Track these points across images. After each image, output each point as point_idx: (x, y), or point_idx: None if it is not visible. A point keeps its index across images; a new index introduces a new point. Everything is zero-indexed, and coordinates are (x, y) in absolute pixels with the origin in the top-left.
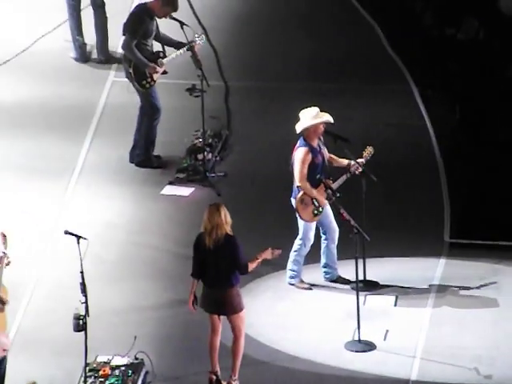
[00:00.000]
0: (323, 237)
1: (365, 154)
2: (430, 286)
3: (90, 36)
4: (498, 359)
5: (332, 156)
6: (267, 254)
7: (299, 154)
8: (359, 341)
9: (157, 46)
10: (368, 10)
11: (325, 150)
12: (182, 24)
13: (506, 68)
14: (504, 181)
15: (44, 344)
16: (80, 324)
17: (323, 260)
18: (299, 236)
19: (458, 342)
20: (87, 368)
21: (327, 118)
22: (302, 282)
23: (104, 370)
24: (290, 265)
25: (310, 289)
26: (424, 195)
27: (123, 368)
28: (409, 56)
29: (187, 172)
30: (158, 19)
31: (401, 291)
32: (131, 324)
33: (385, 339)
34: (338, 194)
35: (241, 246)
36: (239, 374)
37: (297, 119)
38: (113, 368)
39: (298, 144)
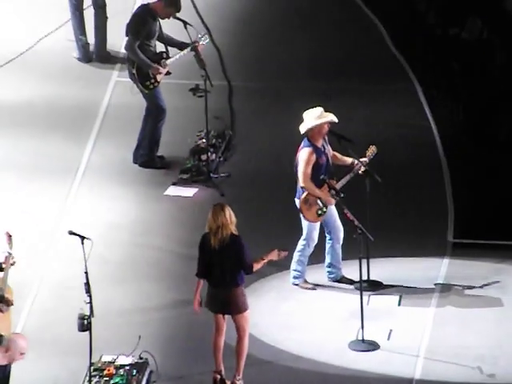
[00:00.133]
0: (328, 237)
1: (368, 153)
2: (433, 285)
3: (91, 36)
4: (501, 358)
5: (335, 154)
6: (273, 255)
7: (303, 155)
8: (363, 340)
9: (160, 47)
10: (371, 9)
11: (329, 150)
12: (185, 24)
13: (510, 68)
14: (507, 181)
15: (49, 344)
16: (85, 324)
17: (328, 260)
18: (303, 236)
19: (462, 341)
20: (92, 367)
21: (331, 117)
22: (305, 282)
23: (109, 370)
24: (293, 265)
25: (314, 289)
26: (427, 195)
27: (128, 367)
28: (412, 55)
29: (191, 173)
30: (161, 20)
31: (404, 291)
32: (135, 324)
33: (388, 339)
34: (342, 195)
35: (246, 246)
36: (243, 373)
37: (301, 119)
38: (117, 367)
39: (302, 144)
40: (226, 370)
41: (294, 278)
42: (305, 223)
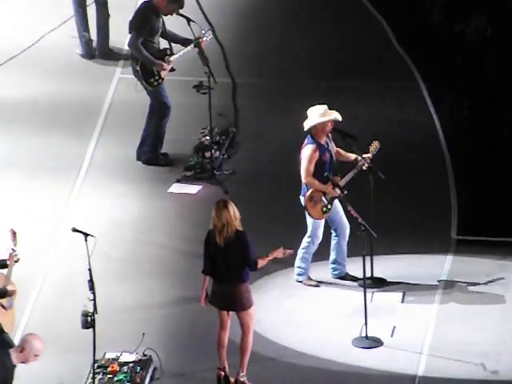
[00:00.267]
0: (334, 233)
1: (371, 148)
2: (437, 282)
3: (94, 33)
4: (504, 355)
5: (339, 150)
6: (278, 253)
7: (306, 151)
8: (366, 337)
9: (163, 44)
10: (376, 6)
11: (333, 147)
12: (188, 20)
13: None
14: (511, 177)
15: (52, 341)
16: (88, 321)
17: (333, 256)
18: (308, 233)
19: (465, 337)
20: (96, 364)
21: (335, 115)
22: (309, 279)
23: (112, 367)
24: (297, 262)
25: (318, 286)
26: (431, 192)
27: (131, 364)
28: (416, 52)
29: (194, 170)
30: (164, 16)
31: (408, 288)
32: (139, 321)
33: (392, 335)
34: (346, 192)
35: (251, 242)
36: (247, 370)
37: (305, 116)
38: (121, 364)
39: (305, 141)
40: (229, 366)
41: (298, 275)
42: (310, 220)
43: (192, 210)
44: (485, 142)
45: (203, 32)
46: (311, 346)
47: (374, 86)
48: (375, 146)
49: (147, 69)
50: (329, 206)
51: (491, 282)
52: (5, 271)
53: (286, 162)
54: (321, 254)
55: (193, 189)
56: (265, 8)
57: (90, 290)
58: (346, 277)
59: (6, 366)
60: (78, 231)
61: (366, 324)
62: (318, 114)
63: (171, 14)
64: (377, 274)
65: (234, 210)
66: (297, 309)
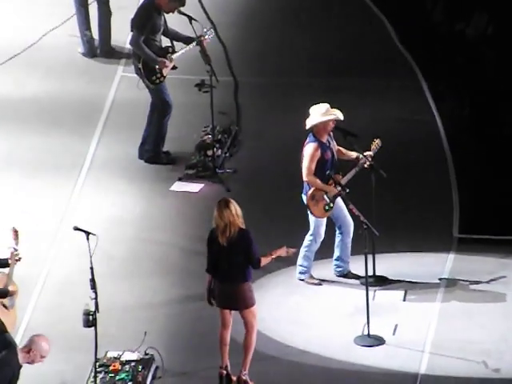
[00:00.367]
0: (338, 231)
1: (373, 146)
2: (438, 280)
3: (95, 31)
4: (506, 353)
5: (340, 149)
6: (281, 252)
7: (308, 150)
8: (368, 335)
9: (165, 42)
10: (378, 4)
11: (334, 145)
12: (190, 19)
13: None
14: None
15: (54, 340)
16: (90, 320)
17: (336, 253)
18: (310, 232)
19: (467, 336)
20: (97, 363)
21: (337, 114)
22: (311, 277)
23: (114, 366)
24: (300, 260)
25: (320, 284)
26: (433, 190)
27: (133, 363)
28: (418, 51)
29: (196, 168)
30: (165, 14)
31: (410, 286)
32: (141, 320)
33: (394, 334)
34: (347, 190)
35: (254, 240)
36: (249, 368)
37: (306, 115)
38: (123, 363)
39: (307, 139)
40: (231, 365)
41: (300, 273)
42: (312, 219)
43: (194, 209)
44: (486, 140)
45: (205, 30)
46: (313, 344)
47: (374, 85)
48: (377, 143)
49: (149, 67)
50: (331, 205)
51: (493, 280)
52: (6, 270)
53: (287, 161)
54: (323, 252)
55: (195, 187)
56: (266, 7)
57: (92, 288)
58: (348, 275)
59: (13, 364)
60: (79, 230)
61: (368, 322)
62: (320, 113)
63: (173, 12)
64: (379, 273)
65: (235, 209)
66: (299, 307)
